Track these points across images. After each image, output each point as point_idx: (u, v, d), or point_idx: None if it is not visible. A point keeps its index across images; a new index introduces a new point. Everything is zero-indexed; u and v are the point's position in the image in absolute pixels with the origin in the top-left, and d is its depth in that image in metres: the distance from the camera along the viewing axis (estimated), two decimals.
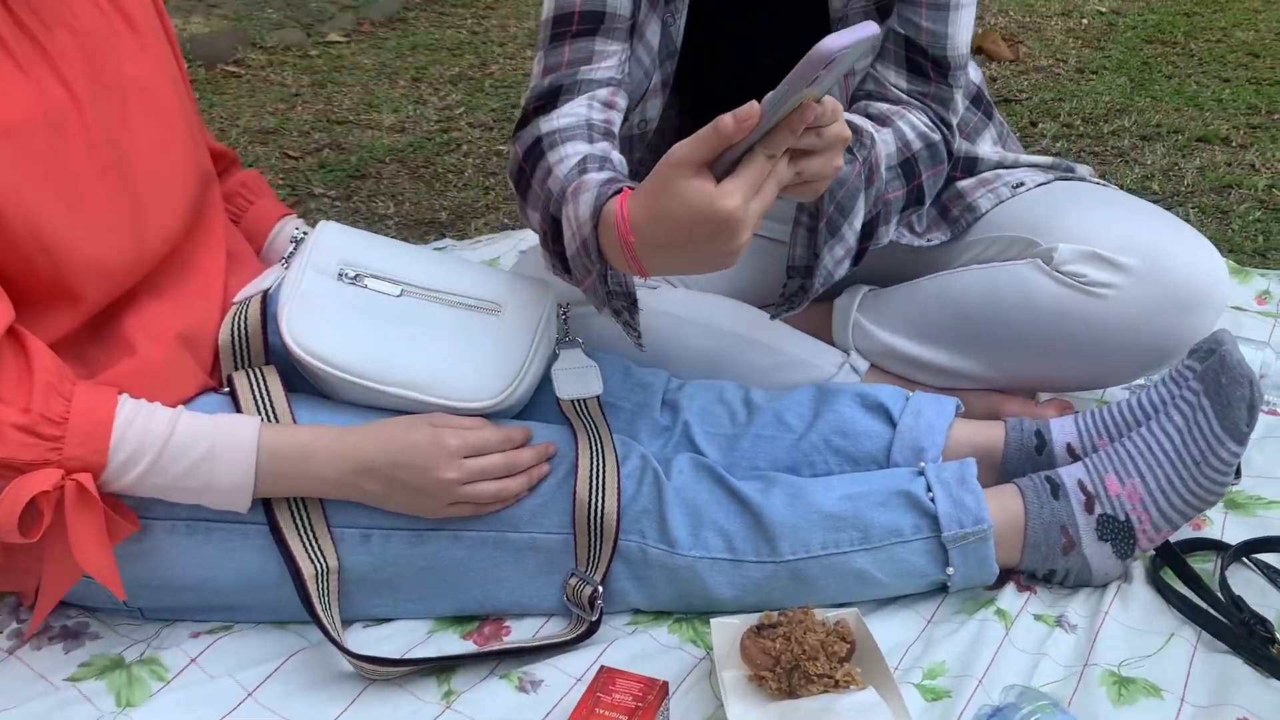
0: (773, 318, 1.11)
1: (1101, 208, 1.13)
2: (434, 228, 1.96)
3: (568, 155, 0.96)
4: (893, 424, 1.05)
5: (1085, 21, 3.13)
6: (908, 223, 1.22)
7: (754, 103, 0.74)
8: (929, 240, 1.20)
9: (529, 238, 1.74)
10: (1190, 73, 2.66)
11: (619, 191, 0.85)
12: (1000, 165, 1.25)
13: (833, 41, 0.70)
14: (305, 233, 1.09)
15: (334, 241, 1.04)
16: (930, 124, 1.10)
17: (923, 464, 1.02)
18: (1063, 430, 1.06)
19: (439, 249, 1.79)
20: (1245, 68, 2.69)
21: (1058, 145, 2.24)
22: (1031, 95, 2.54)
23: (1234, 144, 2.21)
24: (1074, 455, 1.04)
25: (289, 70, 2.78)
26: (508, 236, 1.84)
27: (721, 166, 0.78)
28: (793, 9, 1.13)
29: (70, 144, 0.86)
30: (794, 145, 0.79)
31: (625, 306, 0.93)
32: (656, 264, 0.83)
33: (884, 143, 1.05)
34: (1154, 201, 1.94)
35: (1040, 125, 2.35)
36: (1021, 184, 1.20)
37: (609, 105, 1.05)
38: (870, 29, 0.73)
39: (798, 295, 1.07)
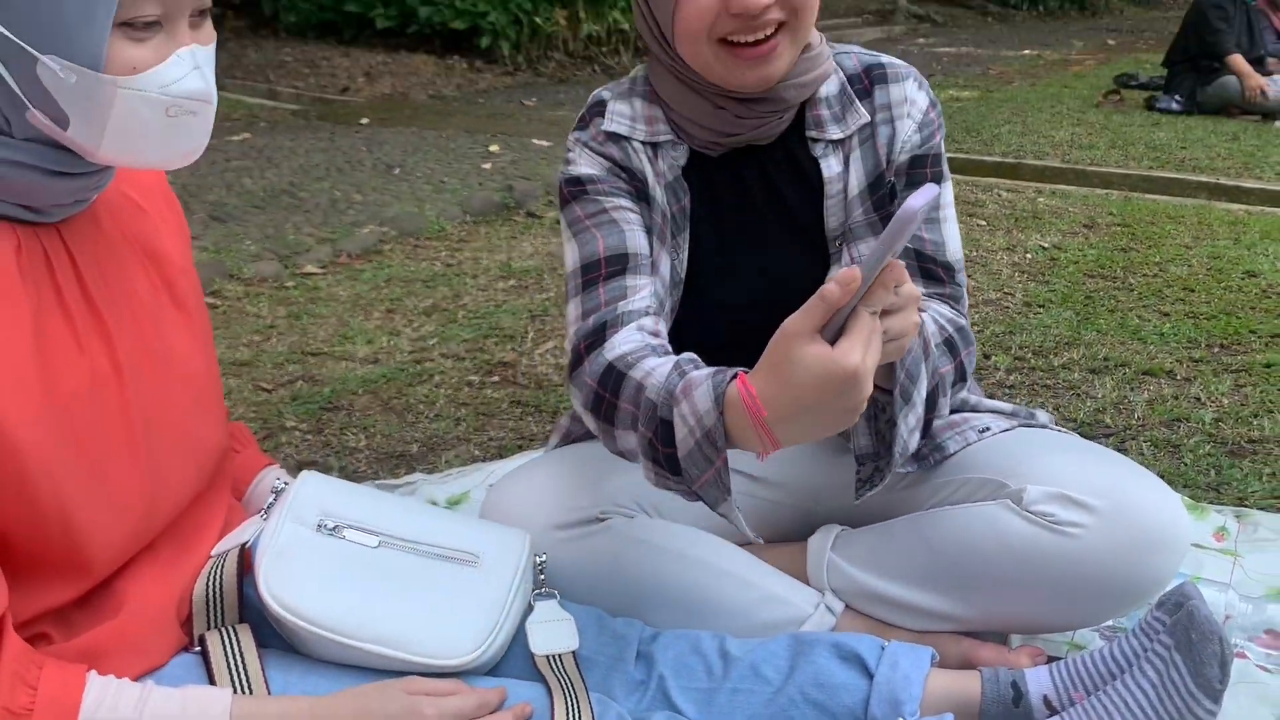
0: (857, 499, 1.15)
1: (1066, 452, 1.19)
2: (404, 460, 1.98)
3: (653, 368, 1.02)
4: (869, 675, 1.06)
5: (1029, 256, 3.31)
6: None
7: (854, 267, 0.83)
8: (898, 469, 1.25)
9: (499, 470, 1.77)
10: (1131, 307, 2.80)
11: (734, 377, 0.92)
12: (964, 406, 1.32)
13: (915, 201, 0.79)
14: (285, 483, 1.11)
15: (314, 492, 1.06)
16: (954, 312, 1.20)
17: (901, 719, 1.01)
18: (1038, 681, 1.07)
19: (411, 483, 1.81)
20: (1182, 301, 2.84)
21: (1011, 378, 2.33)
22: (983, 328, 2.66)
23: (1179, 377, 2.31)
24: (1051, 708, 1.05)
25: (265, 302, 2.86)
26: (478, 469, 1.86)
27: (829, 332, 0.86)
28: (788, 243, 1.22)
29: (107, 418, 0.88)
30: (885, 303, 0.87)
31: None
32: (788, 433, 0.88)
33: (927, 322, 1.11)
34: (1108, 435, 2.03)
35: (993, 358, 2.45)
36: (988, 429, 1.26)
37: (655, 332, 1.13)
38: (934, 189, 0.82)
39: (875, 476, 1.13)
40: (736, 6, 1.05)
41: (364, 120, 5.87)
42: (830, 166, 1.20)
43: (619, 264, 1.13)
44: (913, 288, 0.92)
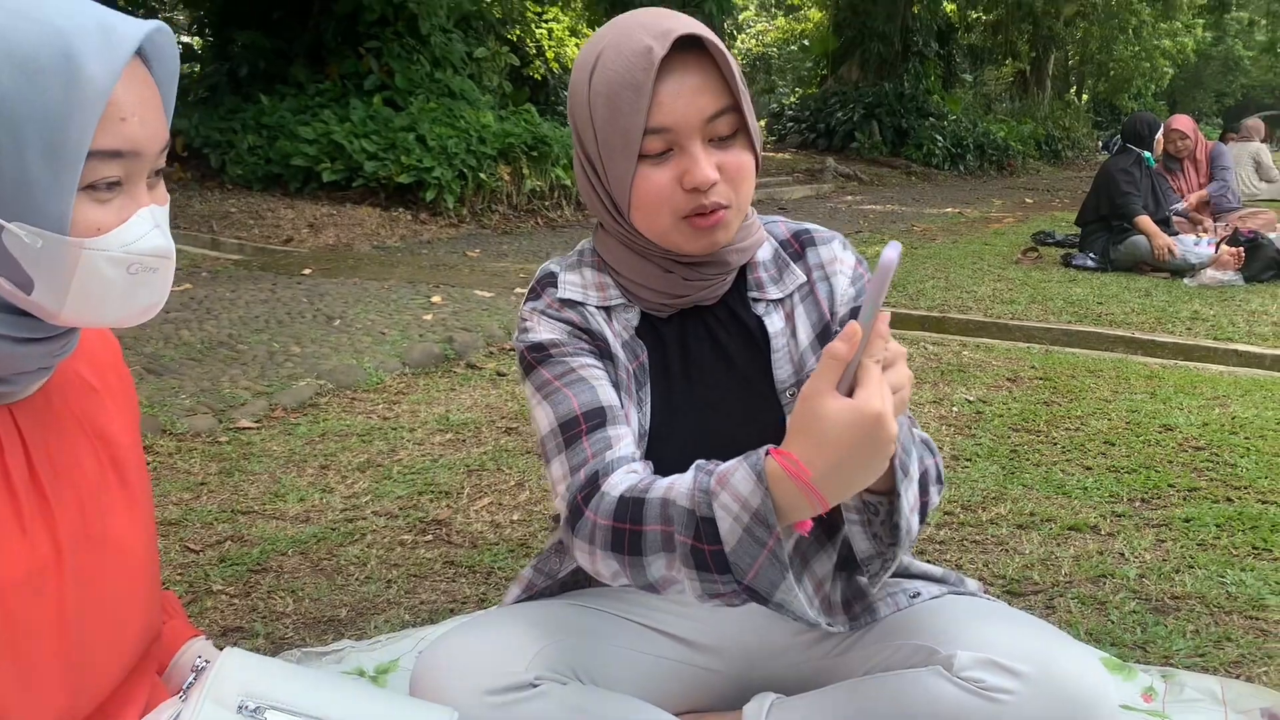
0: (871, 582, 1.16)
1: (994, 619, 1.21)
2: (333, 626, 1.93)
3: (671, 482, 1.04)
4: None
5: (956, 410, 3.39)
6: (822, 602, 1.29)
7: (853, 322, 0.91)
8: (830, 625, 1.26)
9: (429, 636, 1.73)
10: (1056, 460, 2.87)
11: (766, 454, 0.96)
12: (897, 569, 1.34)
13: (890, 253, 0.87)
14: (207, 661, 1.08)
15: (236, 670, 1.03)
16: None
17: None
18: None
19: (339, 650, 1.76)
20: (1104, 455, 2.92)
21: (942, 533, 2.35)
22: None
23: (1103, 532, 2.36)
24: None
25: (197, 458, 2.82)
26: (408, 635, 1.82)
27: (842, 388, 0.93)
28: (738, 397, 1.25)
29: (42, 610, 0.85)
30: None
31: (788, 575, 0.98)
32: (832, 488, 0.93)
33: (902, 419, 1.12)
34: (1036, 593, 2.05)
35: None
36: (918, 594, 1.28)
37: (646, 468, 1.15)
38: (897, 245, 0.88)
39: (882, 569, 1.14)
40: (689, 182, 1.12)
41: (306, 271, 5.91)
42: (774, 323, 1.26)
43: (597, 418, 1.15)
44: (896, 344, 0.97)
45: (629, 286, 1.25)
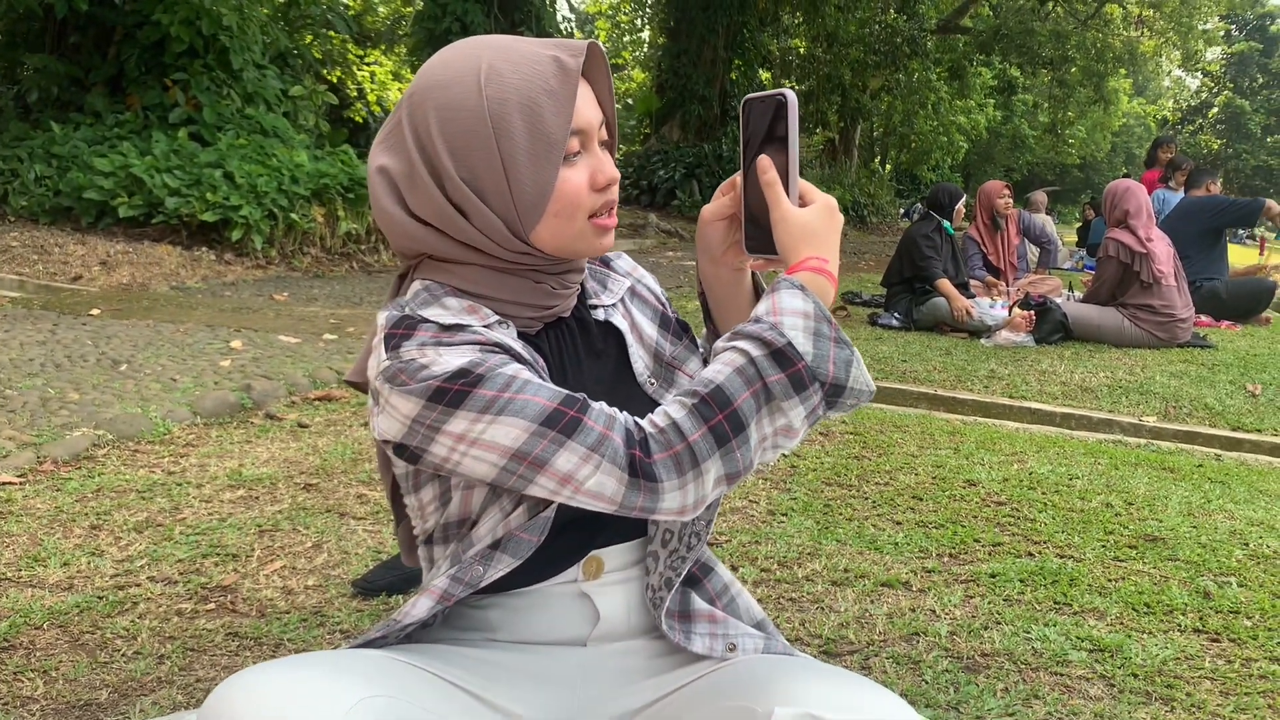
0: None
1: (811, 675, 1.17)
2: (89, 711, 1.69)
3: (721, 359, 1.08)
4: None
5: (769, 466, 3.39)
6: (655, 603, 1.27)
7: (764, 156, 1.16)
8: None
9: None
10: (867, 515, 2.89)
11: (782, 278, 1.11)
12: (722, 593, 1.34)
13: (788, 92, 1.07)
14: None
15: None
16: None
17: None
18: None
19: None
20: (913, 510, 2.96)
21: (759, 590, 2.31)
22: (731, 538, 2.65)
23: (914, 589, 2.36)
24: None
25: None
26: (180, 718, 1.61)
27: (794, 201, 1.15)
28: (611, 395, 1.21)
29: None
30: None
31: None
32: (835, 269, 1.15)
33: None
34: (852, 652, 2.02)
35: (740, 570, 2.43)
36: (734, 646, 1.26)
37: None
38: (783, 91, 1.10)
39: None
40: (603, 180, 1.17)
41: (94, 311, 5.47)
42: (620, 322, 1.31)
43: (577, 402, 1.06)
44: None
45: (499, 307, 1.19)
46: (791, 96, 1.11)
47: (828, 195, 1.16)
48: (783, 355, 1.05)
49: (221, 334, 4.91)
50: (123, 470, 2.93)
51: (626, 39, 25.81)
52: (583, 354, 1.27)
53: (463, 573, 1.28)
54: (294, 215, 8.15)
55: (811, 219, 1.14)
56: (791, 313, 1.07)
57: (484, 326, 1.15)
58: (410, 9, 17.43)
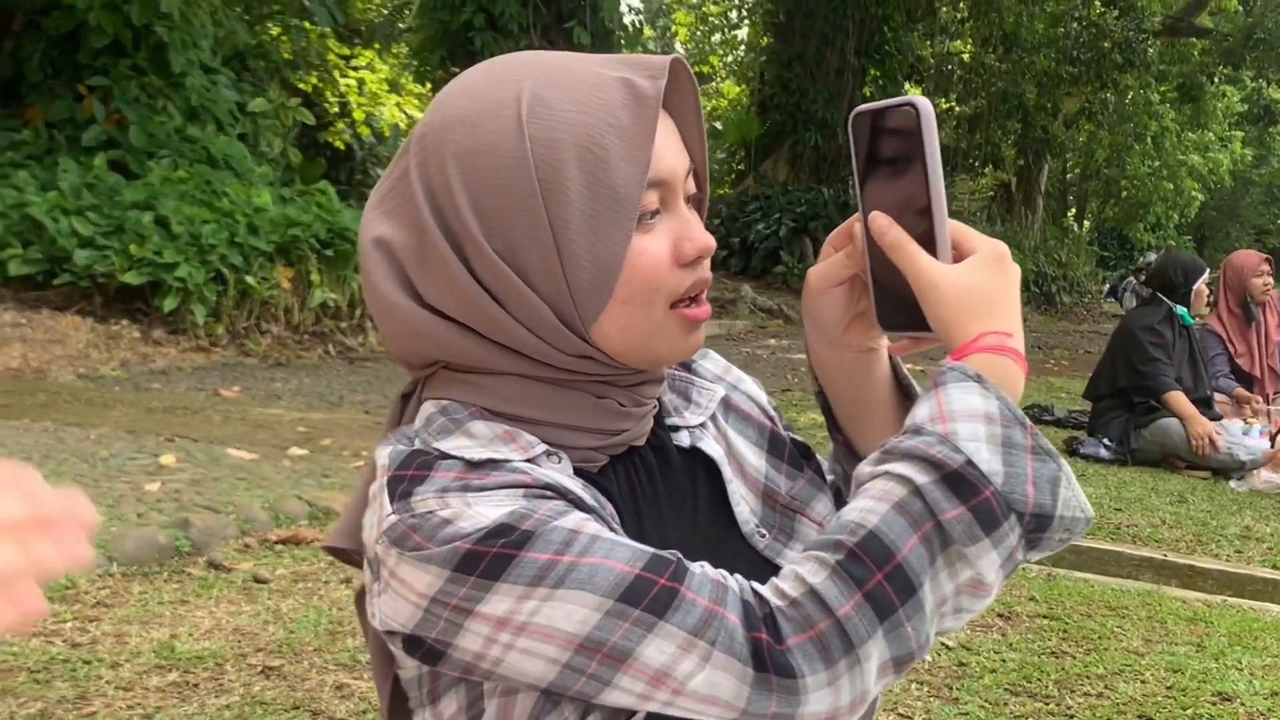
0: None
1: None
2: None
3: (870, 494, 1.06)
4: None
5: (929, 660, 3.36)
6: None
7: (877, 214, 1.13)
8: None
9: None
10: None
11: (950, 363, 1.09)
12: None
13: (921, 101, 1.09)
14: None
15: None
16: None
17: None
18: None
19: None
20: None
21: None
22: None
23: None
24: None
25: None
26: None
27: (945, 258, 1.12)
28: (705, 551, 1.19)
29: None
30: None
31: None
32: (1020, 345, 1.12)
33: None
34: None
35: None
36: None
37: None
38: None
39: None
40: (693, 249, 1.16)
41: None
42: (712, 448, 1.30)
43: (666, 567, 1.06)
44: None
45: (547, 434, 1.19)
46: (925, 105, 1.08)
47: (992, 240, 1.12)
48: (961, 480, 1.02)
49: (148, 444, 5.03)
50: (6, 639, 3.00)
51: (716, 38, 26.37)
52: (663, 497, 1.26)
53: None
54: (250, 279, 8.39)
55: (976, 277, 1.10)
56: (967, 416, 1.05)
57: (526, 461, 1.15)
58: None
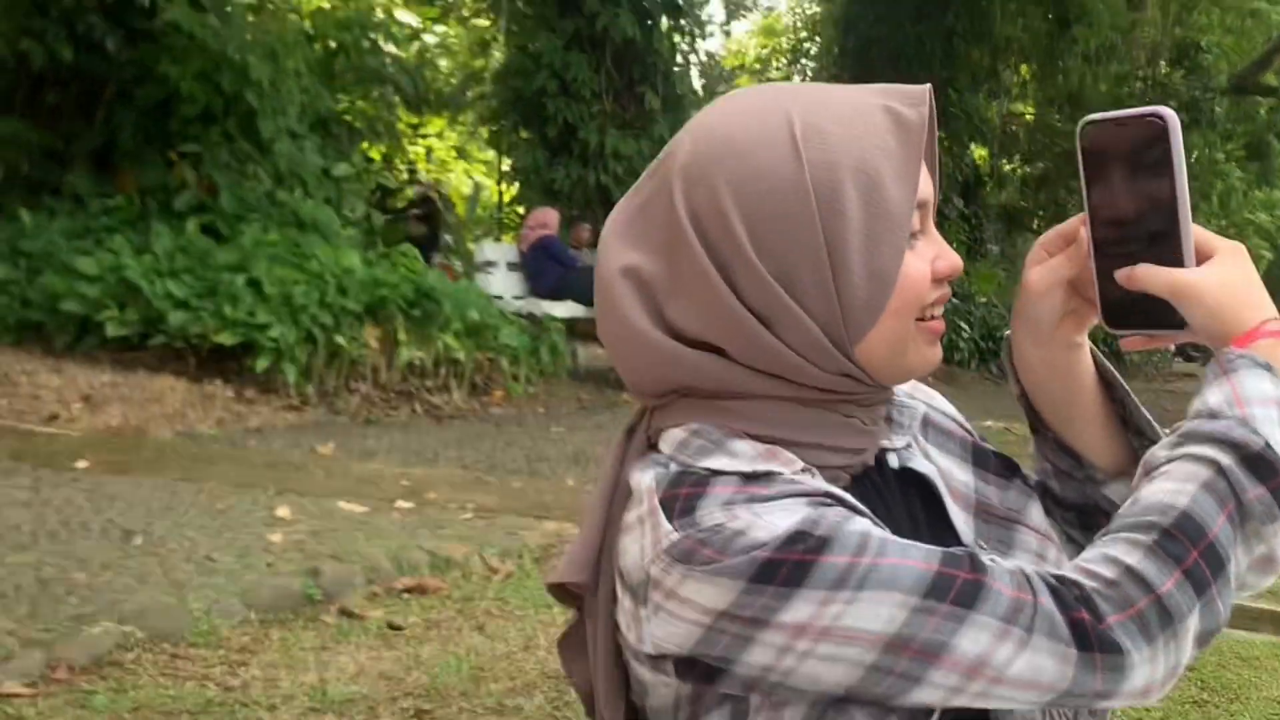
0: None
1: None
2: None
3: (1168, 475, 1.10)
4: None
5: None
6: None
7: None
8: None
9: None
10: None
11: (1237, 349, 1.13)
12: None
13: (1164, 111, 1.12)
14: None
15: None
16: None
17: None
18: None
19: None
20: None
21: None
22: None
23: None
24: None
25: None
26: None
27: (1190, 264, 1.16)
28: None
29: None
30: None
31: None
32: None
33: None
34: None
35: None
36: None
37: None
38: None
39: None
40: (946, 268, 1.20)
41: (81, 464, 5.73)
42: (924, 467, 1.31)
43: (964, 562, 1.08)
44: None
45: (801, 454, 1.20)
46: (1171, 116, 1.12)
47: (1227, 240, 1.18)
48: (1261, 461, 1.07)
49: (261, 498, 5.08)
50: (163, 681, 3.04)
51: None
52: (899, 515, 1.27)
53: None
54: (340, 338, 8.47)
55: (1234, 274, 1.15)
56: (1261, 402, 1.09)
57: (796, 473, 1.16)
58: (483, 62, 18.18)
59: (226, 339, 8.18)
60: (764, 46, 26.50)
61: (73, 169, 10.17)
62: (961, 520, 1.30)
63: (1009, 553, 1.29)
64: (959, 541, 1.27)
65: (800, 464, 1.19)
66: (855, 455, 1.24)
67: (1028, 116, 22.74)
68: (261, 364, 8.14)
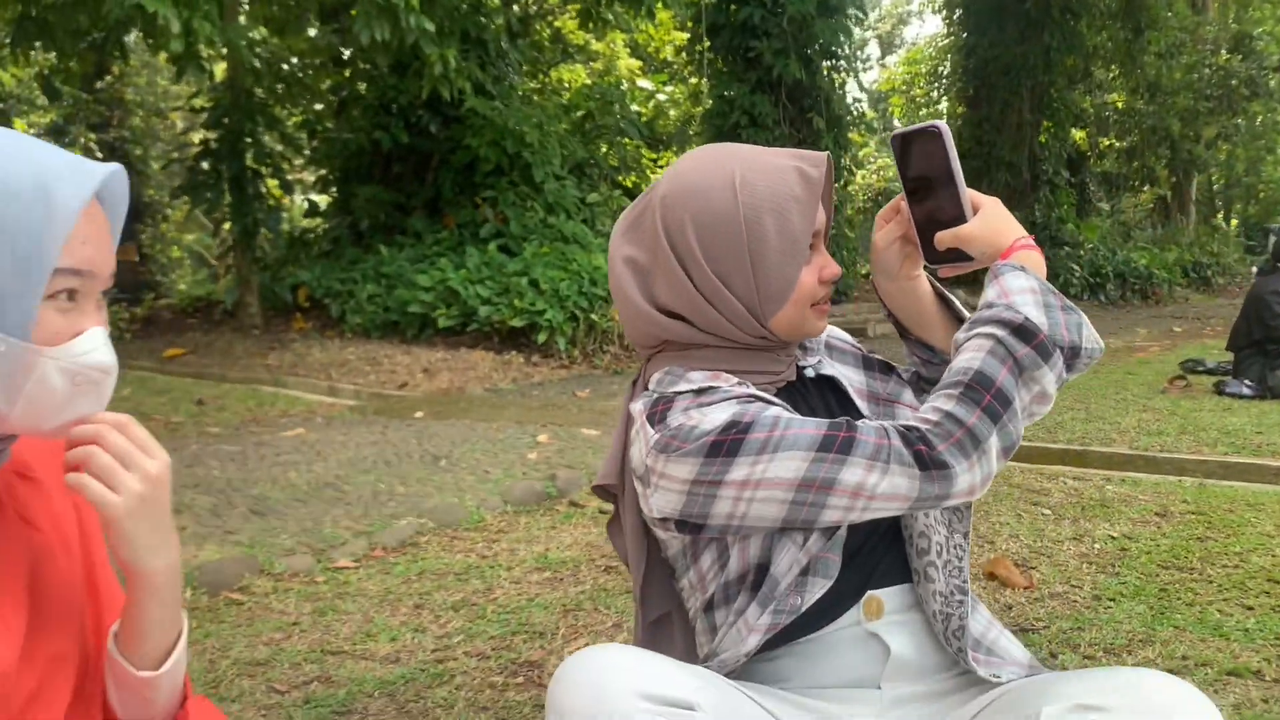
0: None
1: (1081, 675, 1.17)
2: None
3: (966, 351, 1.20)
4: None
5: (1098, 547, 3.20)
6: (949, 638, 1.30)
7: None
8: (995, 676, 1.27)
9: None
10: (1211, 600, 2.66)
11: (998, 265, 1.24)
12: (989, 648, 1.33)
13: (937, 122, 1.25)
14: None
15: None
16: None
17: None
18: None
19: None
20: (1268, 594, 2.69)
21: None
22: (1049, 624, 2.53)
23: (1267, 678, 2.15)
24: None
25: (292, 597, 2.85)
26: None
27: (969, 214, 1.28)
28: None
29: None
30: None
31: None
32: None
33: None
34: None
35: (1061, 657, 2.31)
36: (997, 676, 1.27)
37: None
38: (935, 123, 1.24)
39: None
40: (829, 275, 1.34)
41: (418, 414, 6.07)
42: (833, 370, 1.43)
43: (844, 424, 1.18)
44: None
45: (741, 376, 1.32)
46: (943, 126, 1.25)
47: (986, 196, 1.28)
48: (1024, 330, 1.16)
49: (529, 429, 5.29)
50: (442, 555, 3.24)
51: (923, 112, 25.60)
52: (816, 409, 1.37)
53: (781, 604, 1.33)
54: (594, 316, 8.68)
55: (992, 215, 1.26)
56: (1020, 291, 1.19)
57: (731, 386, 1.27)
58: (699, 109, 18.23)
59: (517, 322, 8.48)
60: (909, 73, 25.53)
61: (413, 215, 10.67)
62: (861, 405, 1.40)
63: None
64: (862, 416, 1.37)
65: (736, 380, 1.30)
66: (776, 375, 1.35)
67: (1118, 104, 21.32)
68: (541, 337, 8.42)
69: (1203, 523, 3.44)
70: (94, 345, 0.93)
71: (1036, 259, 1.25)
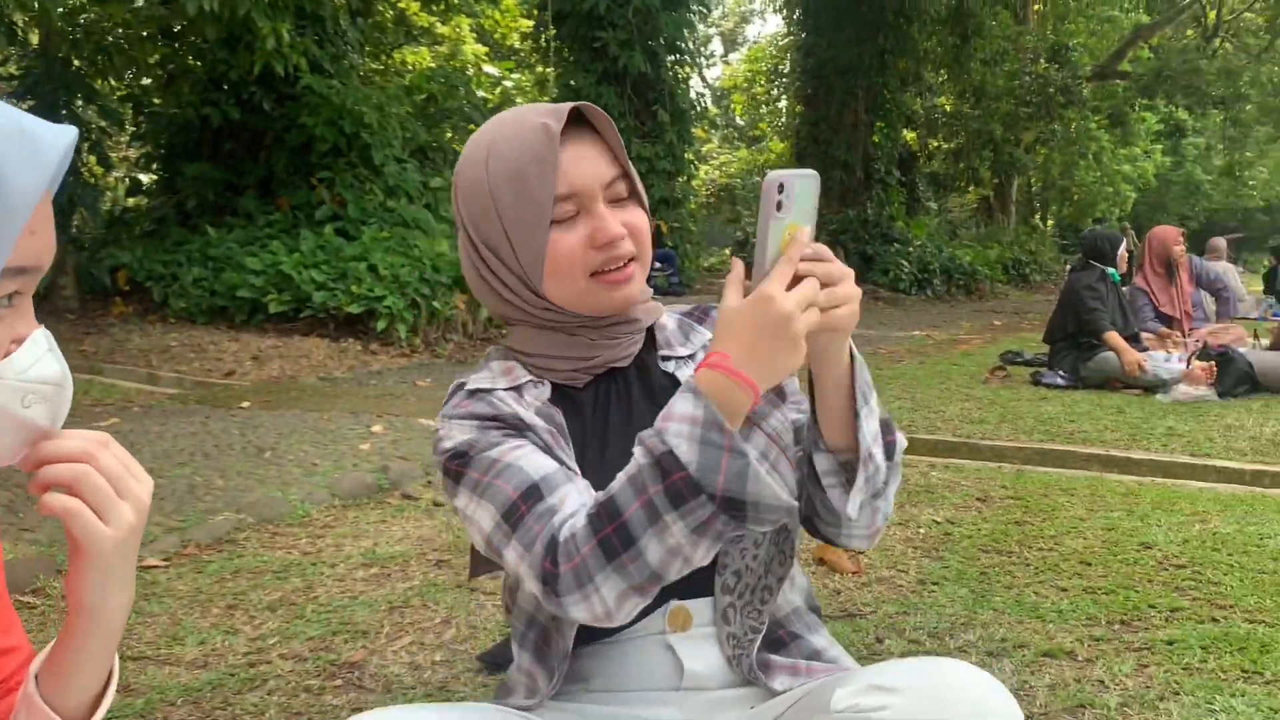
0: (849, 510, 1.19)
1: (881, 665, 1.18)
2: None
3: (619, 478, 1.05)
4: None
5: (922, 531, 3.27)
6: (738, 661, 1.26)
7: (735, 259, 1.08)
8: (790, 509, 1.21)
9: None
10: (1028, 582, 2.74)
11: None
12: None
13: (776, 172, 1.02)
14: None
15: None
16: None
17: None
18: None
19: None
20: (1079, 576, 2.79)
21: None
22: (876, 609, 2.55)
23: (1080, 658, 2.21)
24: None
25: None
26: None
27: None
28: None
29: None
30: (807, 271, 1.03)
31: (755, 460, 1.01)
32: (754, 372, 1.01)
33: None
34: None
35: (886, 642, 2.33)
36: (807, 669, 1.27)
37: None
38: (808, 171, 1.04)
39: (849, 482, 1.19)
40: (601, 238, 1.18)
41: (244, 404, 5.77)
42: (684, 376, 1.30)
43: (534, 495, 1.11)
44: (843, 266, 1.06)
45: (538, 364, 1.27)
46: (769, 177, 1.04)
47: (769, 290, 1.01)
48: (661, 465, 1.01)
49: (363, 420, 5.10)
50: (261, 552, 3.05)
51: (764, 110, 26.10)
52: (639, 402, 1.29)
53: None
54: (436, 303, 8.47)
55: (734, 311, 1.03)
56: (679, 418, 1.02)
57: (509, 389, 1.23)
58: (546, 97, 18.05)
59: (355, 309, 8.20)
60: (751, 70, 26.00)
61: (244, 196, 10.19)
62: None
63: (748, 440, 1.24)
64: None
65: (527, 378, 1.26)
66: (585, 362, 1.27)
67: (946, 106, 22.22)
68: (380, 325, 8.16)
69: (1020, 507, 3.56)
70: (37, 356, 0.79)
71: (721, 383, 1.02)
